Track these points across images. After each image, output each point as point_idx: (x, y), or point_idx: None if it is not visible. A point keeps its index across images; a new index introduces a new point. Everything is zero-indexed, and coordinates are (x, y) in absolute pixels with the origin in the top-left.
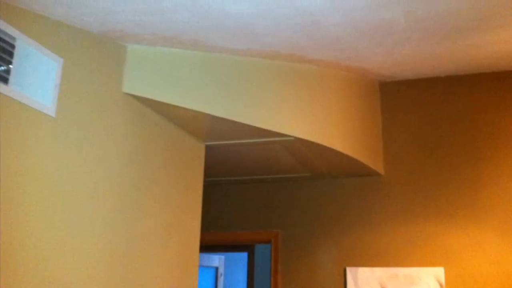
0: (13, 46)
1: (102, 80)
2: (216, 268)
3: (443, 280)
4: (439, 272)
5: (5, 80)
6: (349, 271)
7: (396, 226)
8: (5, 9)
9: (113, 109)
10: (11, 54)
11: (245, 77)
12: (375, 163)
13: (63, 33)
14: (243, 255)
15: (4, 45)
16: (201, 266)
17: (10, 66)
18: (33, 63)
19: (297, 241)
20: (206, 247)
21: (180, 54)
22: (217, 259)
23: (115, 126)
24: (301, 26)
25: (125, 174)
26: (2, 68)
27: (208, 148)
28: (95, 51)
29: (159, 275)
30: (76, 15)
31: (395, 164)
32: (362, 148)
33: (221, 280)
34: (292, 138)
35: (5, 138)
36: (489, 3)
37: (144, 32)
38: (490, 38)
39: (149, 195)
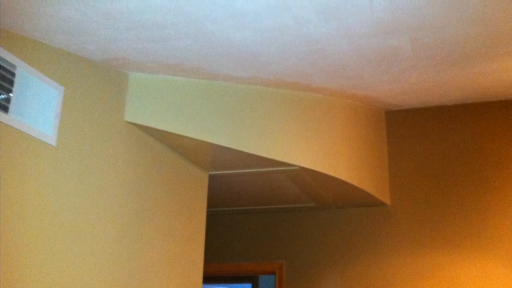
0: (13, 74)
1: (104, 108)
2: None
3: None
4: None
5: (5, 109)
6: None
7: (403, 257)
8: (5, 37)
9: (115, 138)
10: (11, 82)
11: (249, 106)
12: (381, 193)
13: (64, 61)
14: (247, 286)
15: (4, 73)
16: None
17: (11, 94)
18: (34, 91)
19: (302, 272)
20: (210, 278)
21: (183, 82)
22: None
23: (117, 156)
24: (306, 53)
25: (127, 205)
26: (2, 96)
27: (212, 178)
28: (96, 79)
29: None
30: (78, 42)
31: (401, 194)
32: (368, 178)
33: None
34: (297, 167)
35: (5, 168)
36: (496, 30)
37: (146, 60)
38: (497, 66)
39: (152, 225)
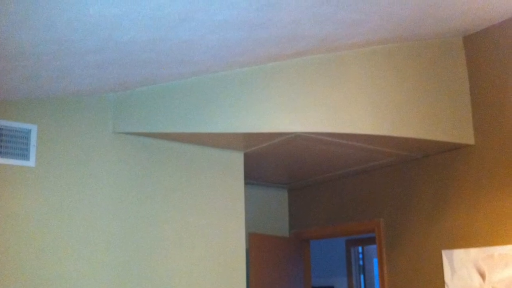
0: None
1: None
2: None
3: None
4: None
5: None
6: (445, 254)
7: (491, 201)
8: None
9: (104, 148)
10: None
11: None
12: (462, 135)
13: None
14: None
15: None
16: None
17: None
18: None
19: (398, 228)
20: None
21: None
22: None
23: (108, 164)
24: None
25: (115, 220)
26: None
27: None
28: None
29: None
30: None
31: (487, 132)
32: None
33: None
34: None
35: None
36: None
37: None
38: None
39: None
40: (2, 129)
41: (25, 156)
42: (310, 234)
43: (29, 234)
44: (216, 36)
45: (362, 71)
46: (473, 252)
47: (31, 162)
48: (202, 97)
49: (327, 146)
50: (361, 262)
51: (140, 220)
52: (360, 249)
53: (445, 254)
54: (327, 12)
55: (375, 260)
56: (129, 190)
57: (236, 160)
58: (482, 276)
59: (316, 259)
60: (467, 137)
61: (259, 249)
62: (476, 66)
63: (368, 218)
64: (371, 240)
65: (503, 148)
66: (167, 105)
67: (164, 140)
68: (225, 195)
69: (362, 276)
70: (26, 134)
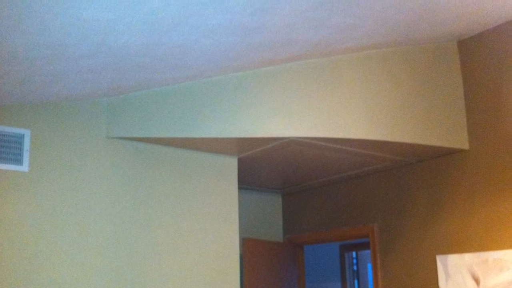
0: None
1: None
2: None
3: None
4: None
5: None
6: (439, 259)
7: (485, 206)
8: None
9: (97, 153)
10: None
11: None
12: (456, 140)
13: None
14: None
15: None
16: None
17: None
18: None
19: (392, 233)
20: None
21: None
22: None
23: (101, 169)
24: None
25: (108, 224)
26: None
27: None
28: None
29: None
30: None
31: (482, 137)
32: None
33: None
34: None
35: None
36: None
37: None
38: None
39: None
40: None
41: (18, 161)
42: (304, 239)
43: (22, 239)
44: (209, 40)
45: (356, 75)
46: (468, 257)
47: (24, 167)
48: (195, 102)
49: (321, 151)
50: (355, 267)
51: (134, 225)
52: (354, 254)
53: (439, 259)
54: (321, 16)
55: (369, 265)
56: (122, 195)
57: (230, 165)
58: (477, 281)
59: (310, 264)
60: (461, 142)
61: (253, 254)
62: (470, 70)
63: (362, 223)
64: (365, 245)
65: (498, 153)
66: (161, 110)
67: (157, 145)
68: (219, 200)
69: (356, 282)
70: (20, 139)
